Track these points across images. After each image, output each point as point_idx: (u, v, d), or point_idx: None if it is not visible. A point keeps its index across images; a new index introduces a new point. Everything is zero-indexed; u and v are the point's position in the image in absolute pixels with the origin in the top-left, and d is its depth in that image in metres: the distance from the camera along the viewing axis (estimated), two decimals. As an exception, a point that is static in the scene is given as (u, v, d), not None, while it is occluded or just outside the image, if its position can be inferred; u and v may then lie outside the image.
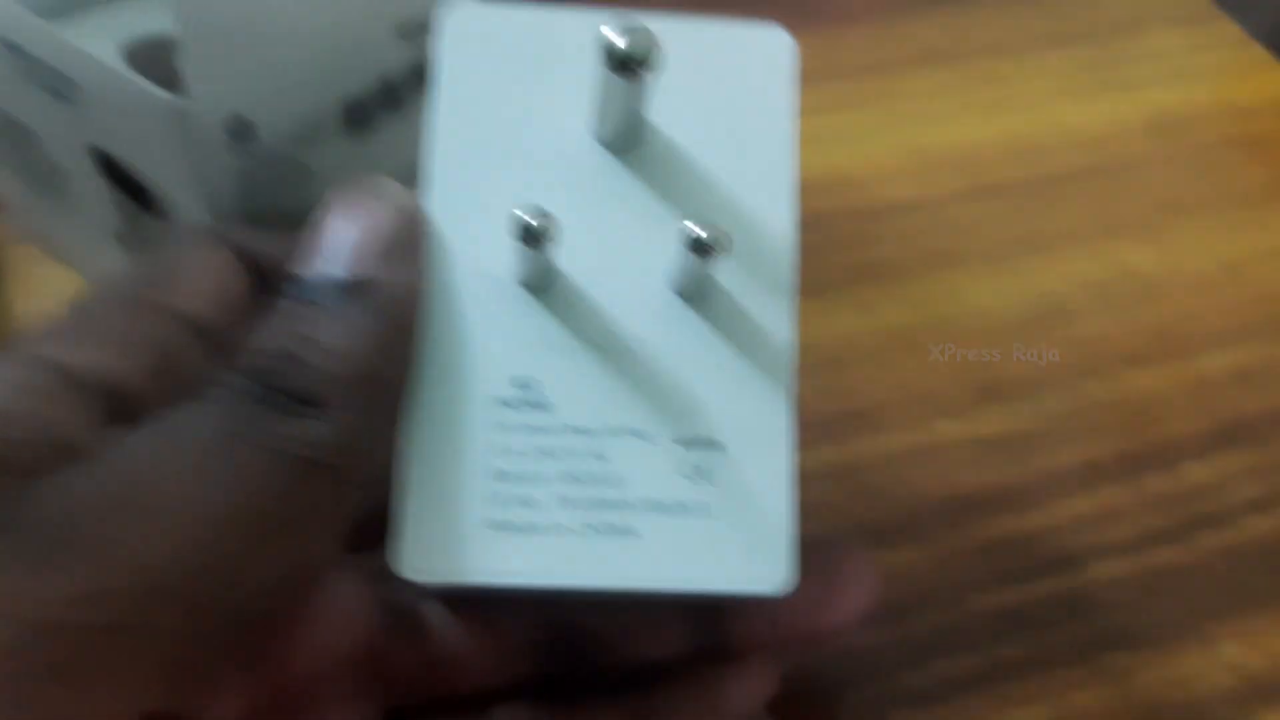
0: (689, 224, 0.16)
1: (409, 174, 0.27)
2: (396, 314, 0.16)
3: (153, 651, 0.13)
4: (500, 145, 0.18)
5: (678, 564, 0.17)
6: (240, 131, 0.23)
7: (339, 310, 0.16)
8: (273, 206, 0.24)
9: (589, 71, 0.17)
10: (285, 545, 0.15)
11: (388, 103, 0.25)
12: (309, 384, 0.15)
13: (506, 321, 0.17)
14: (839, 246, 0.34)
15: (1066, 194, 0.36)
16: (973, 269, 0.34)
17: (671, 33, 0.17)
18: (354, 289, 0.16)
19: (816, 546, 0.19)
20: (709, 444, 0.17)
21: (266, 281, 0.19)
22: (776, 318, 0.18)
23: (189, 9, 0.20)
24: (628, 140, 0.18)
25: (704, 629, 0.19)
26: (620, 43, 0.16)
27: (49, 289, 0.31)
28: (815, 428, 0.29)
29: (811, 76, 0.39)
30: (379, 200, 0.17)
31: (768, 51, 0.19)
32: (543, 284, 0.18)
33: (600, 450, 0.17)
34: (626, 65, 0.16)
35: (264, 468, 0.14)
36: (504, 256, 0.17)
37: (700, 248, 0.16)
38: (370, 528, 0.17)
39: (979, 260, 0.34)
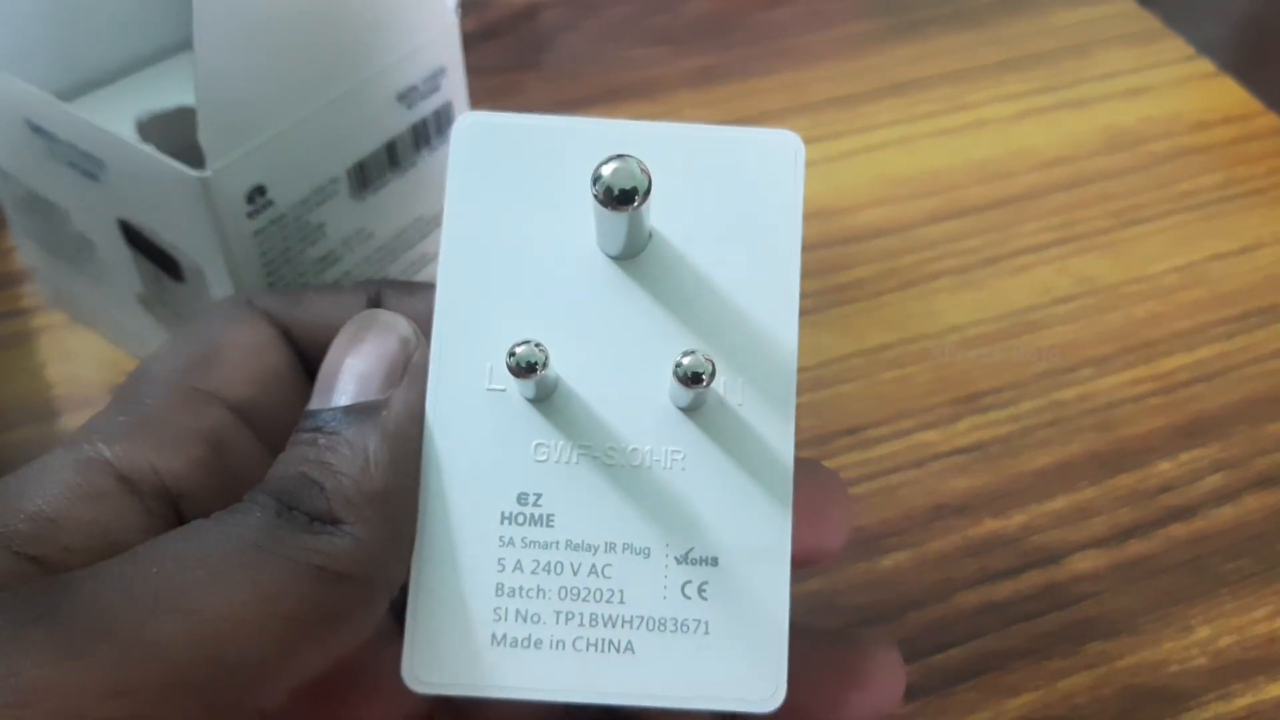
0: (680, 359, 0.17)
1: (409, 227, 0.29)
2: (401, 432, 0.17)
3: None
4: (506, 255, 0.18)
5: (673, 681, 0.17)
6: (259, 199, 0.24)
7: (348, 434, 0.17)
8: (287, 262, 0.26)
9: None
10: (310, 648, 0.15)
11: (390, 163, 0.27)
12: (325, 505, 0.16)
13: (510, 436, 0.18)
14: (817, 273, 0.36)
15: (1030, 211, 0.38)
16: (945, 288, 0.36)
17: (681, 140, 0.18)
18: (359, 413, 0.17)
19: (843, 640, 0.19)
20: (707, 561, 0.18)
21: (303, 352, 0.20)
22: (778, 429, 0.18)
23: (208, 87, 0.22)
24: (631, 250, 0.18)
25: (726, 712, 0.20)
26: (611, 178, 0.16)
27: (78, 355, 0.32)
28: (806, 445, 0.31)
29: (783, 112, 0.41)
30: (378, 332, 0.18)
31: (778, 156, 0.19)
32: (543, 396, 0.18)
33: (600, 565, 0.17)
34: (619, 200, 0.16)
35: (285, 577, 0.15)
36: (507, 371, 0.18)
37: (690, 379, 0.17)
38: None
39: (950, 279, 0.36)
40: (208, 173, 0.23)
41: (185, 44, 0.30)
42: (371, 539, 0.16)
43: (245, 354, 0.19)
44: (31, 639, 0.13)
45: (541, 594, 0.17)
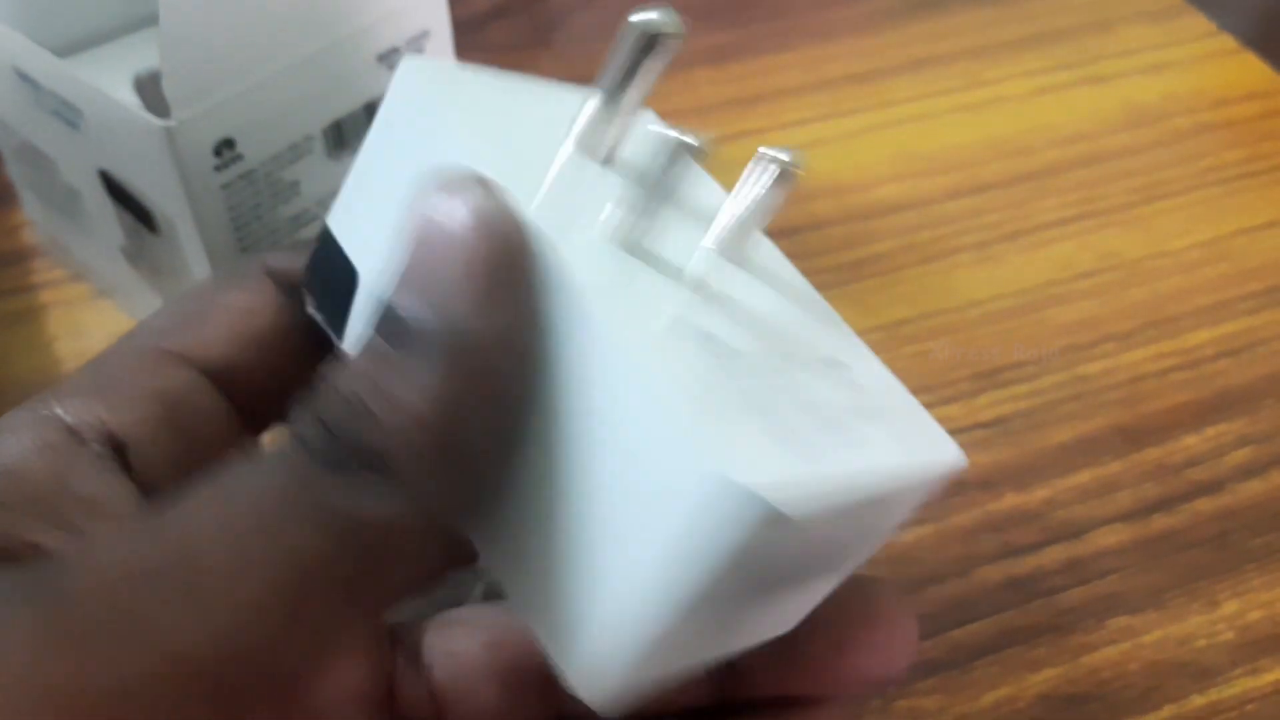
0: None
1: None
2: (483, 367, 0.14)
3: None
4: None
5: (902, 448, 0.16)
6: (227, 152, 0.24)
7: (418, 356, 0.14)
8: (258, 219, 0.26)
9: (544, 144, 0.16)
10: (331, 622, 0.14)
11: (370, 124, 0.27)
12: (375, 441, 0.14)
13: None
14: (836, 248, 0.35)
15: (1051, 187, 0.38)
16: (964, 263, 0.35)
17: None
18: (434, 334, 0.14)
19: (850, 589, 0.18)
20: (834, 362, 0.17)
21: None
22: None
23: (174, 37, 0.22)
24: None
25: (722, 677, 0.19)
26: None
27: (89, 330, 0.32)
28: (823, 419, 0.31)
29: (800, 89, 0.41)
30: (472, 212, 0.14)
31: None
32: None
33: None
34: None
35: (316, 540, 0.13)
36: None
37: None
38: None
39: (970, 254, 0.35)
40: (172, 122, 0.23)
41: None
42: (421, 496, 0.14)
43: (231, 316, 0.18)
44: (22, 622, 0.12)
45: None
